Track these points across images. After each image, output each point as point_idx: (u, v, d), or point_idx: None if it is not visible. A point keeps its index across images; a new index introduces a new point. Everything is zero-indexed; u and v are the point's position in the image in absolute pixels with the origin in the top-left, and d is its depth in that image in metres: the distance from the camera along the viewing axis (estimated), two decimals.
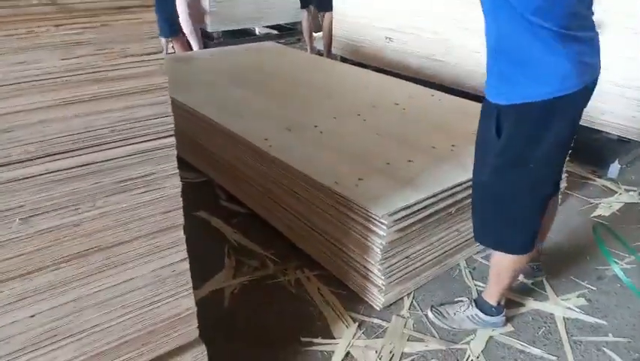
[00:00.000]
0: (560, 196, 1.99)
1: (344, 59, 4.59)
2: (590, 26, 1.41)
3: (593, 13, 1.42)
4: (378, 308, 1.84)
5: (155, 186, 1.00)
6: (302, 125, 2.38)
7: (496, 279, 1.70)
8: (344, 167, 1.99)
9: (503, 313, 1.77)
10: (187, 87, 2.88)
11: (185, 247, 1.11)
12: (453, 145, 2.19)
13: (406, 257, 1.84)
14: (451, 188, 1.86)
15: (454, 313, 1.79)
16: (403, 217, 1.73)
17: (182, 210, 1.07)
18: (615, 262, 2.13)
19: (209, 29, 5.31)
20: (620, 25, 2.70)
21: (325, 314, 1.81)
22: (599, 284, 2.02)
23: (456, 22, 3.50)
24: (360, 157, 2.07)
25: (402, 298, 1.89)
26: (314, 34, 5.94)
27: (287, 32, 6.20)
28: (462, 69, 3.54)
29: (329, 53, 4.87)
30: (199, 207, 2.45)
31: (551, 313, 1.85)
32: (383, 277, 1.78)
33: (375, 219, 1.70)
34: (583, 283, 2.02)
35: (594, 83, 1.45)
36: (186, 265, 1.12)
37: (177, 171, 1.03)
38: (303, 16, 5.04)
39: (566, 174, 2.47)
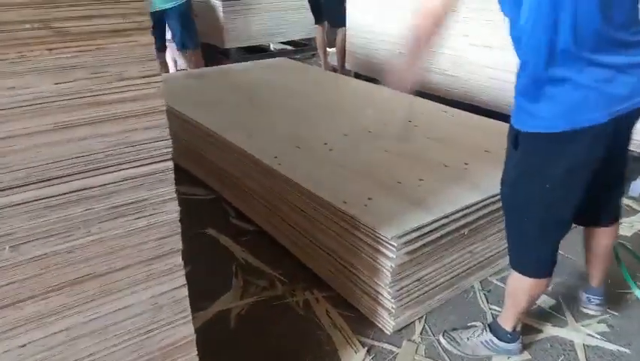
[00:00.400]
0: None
1: (357, 75, 4.58)
2: (628, 52, 1.27)
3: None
4: (388, 333, 1.78)
5: (151, 212, 0.97)
6: (312, 143, 2.35)
7: (512, 301, 1.63)
8: (353, 186, 1.95)
9: (519, 340, 1.69)
10: (198, 103, 2.89)
11: (183, 272, 1.07)
12: (466, 163, 2.13)
13: (417, 280, 1.78)
14: (463, 209, 1.80)
15: (468, 339, 1.72)
16: (414, 239, 1.68)
17: (180, 235, 1.03)
18: (637, 285, 2.03)
19: (226, 46, 5.36)
20: None
21: (334, 338, 1.76)
22: (621, 309, 1.93)
23: (467, 39, 3.46)
24: (370, 176, 2.03)
25: (413, 323, 1.83)
26: (328, 49, 5.95)
27: (302, 48, 6.22)
28: (474, 84, 3.49)
29: (342, 69, 4.86)
30: (208, 225, 2.43)
31: (571, 341, 1.77)
32: (393, 301, 1.72)
33: (384, 241, 1.65)
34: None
35: (629, 113, 1.33)
36: (184, 291, 1.08)
37: (175, 195, 1.00)
38: (317, 32, 5.05)
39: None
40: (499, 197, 1.91)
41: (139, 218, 0.96)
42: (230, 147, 2.38)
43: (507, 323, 1.66)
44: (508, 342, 1.67)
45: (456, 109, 2.89)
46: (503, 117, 2.98)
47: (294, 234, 2.13)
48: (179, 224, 1.03)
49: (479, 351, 1.70)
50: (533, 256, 1.52)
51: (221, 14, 5.14)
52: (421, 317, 1.86)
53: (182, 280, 1.08)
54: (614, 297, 1.99)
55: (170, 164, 0.97)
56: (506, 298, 1.65)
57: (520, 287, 1.57)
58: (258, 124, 2.59)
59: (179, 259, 1.05)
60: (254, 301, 1.93)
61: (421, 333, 1.79)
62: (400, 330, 1.79)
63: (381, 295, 1.75)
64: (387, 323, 1.77)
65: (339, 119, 2.68)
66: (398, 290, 1.72)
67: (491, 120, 2.72)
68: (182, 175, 2.91)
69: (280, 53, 6.04)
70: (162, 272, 1.04)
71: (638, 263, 2.19)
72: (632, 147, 2.75)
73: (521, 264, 1.55)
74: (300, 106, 2.89)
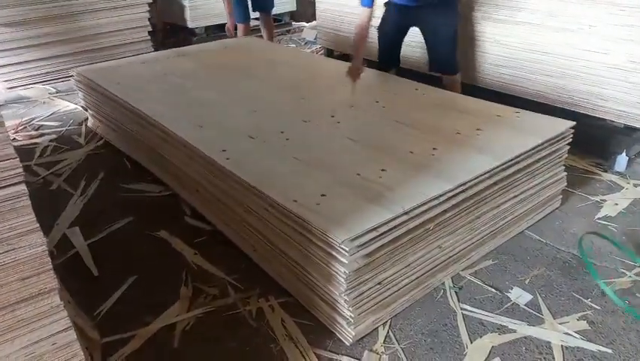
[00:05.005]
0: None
1: (330, 52, 4.34)
2: None
3: None
4: (347, 343, 1.61)
5: (4, 248, 0.78)
6: (267, 132, 2.15)
7: None
8: (307, 181, 1.75)
9: None
10: (150, 92, 2.66)
11: (65, 314, 0.88)
12: (434, 149, 1.94)
13: (378, 283, 1.60)
14: (426, 203, 1.61)
15: None
16: (370, 240, 1.50)
17: (52, 272, 0.84)
18: (605, 282, 1.83)
19: (190, 25, 5.08)
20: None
21: (287, 353, 1.59)
22: (603, 302, 1.77)
23: None
24: (327, 168, 1.84)
25: (376, 330, 1.66)
26: (304, 23, 5.66)
27: (276, 24, 5.94)
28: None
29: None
30: (160, 226, 2.23)
31: (548, 342, 1.61)
32: (351, 309, 1.55)
33: (336, 245, 1.46)
34: (585, 301, 1.77)
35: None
36: (71, 335, 0.90)
37: (37, 225, 0.80)
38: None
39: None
40: (468, 185, 1.75)
41: None
42: (178, 141, 2.17)
43: None
44: None
45: (430, 86, 2.68)
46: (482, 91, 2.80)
47: (249, 235, 1.94)
48: (49, 259, 0.84)
49: None
50: None
51: None
52: (385, 322, 1.69)
53: (65, 323, 0.89)
54: (596, 287, 1.83)
55: (22, 188, 0.77)
56: None
57: None
58: (210, 112, 2.38)
59: (55, 300, 0.87)
60: (202, 313, 1.75)
61: (384, 341, 1.62)
62: (361, 339, 1.63)
63: (338, 302, 1.57)
64: (346, 332, 1.61)
65: (301, 103, 2.48)
66: (356, 297, 1.55)
67: (467, 98, 2.53)
68: (135, 171, 2.70)
69: (255, 30, 5.75)
70: (34, 317, 0.85)
71: (619, 249, 2.02)
72: (615, 118, 2.61)
73: None
74: (260, 90, 2.67)
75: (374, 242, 1.51)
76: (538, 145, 1.98)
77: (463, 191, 1.75)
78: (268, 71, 3.01)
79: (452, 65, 2.88)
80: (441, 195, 1.66)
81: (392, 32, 2.94)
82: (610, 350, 1.57)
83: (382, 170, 1.81)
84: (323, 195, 1.66)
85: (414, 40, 3.13)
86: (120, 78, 2.88)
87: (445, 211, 1.72)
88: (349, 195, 1.65)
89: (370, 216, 1.53)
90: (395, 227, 1.55)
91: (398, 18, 2.86)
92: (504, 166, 1.86)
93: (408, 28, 2.93)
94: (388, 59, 3.05)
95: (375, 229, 1.50)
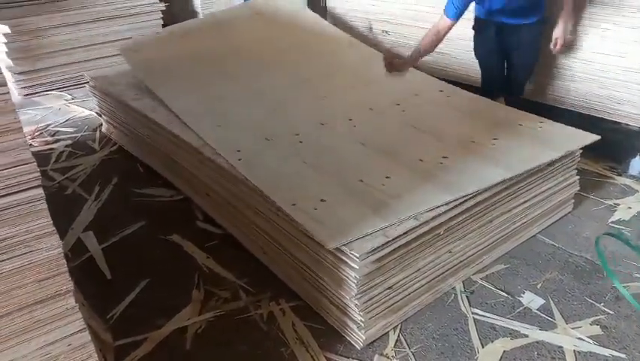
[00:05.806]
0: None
1: None
2: None
3: None
4: (358, 347, 1.61)
5: (21, 250, 0.80)
6: (282, 134, 2.16)
7: None
8: (310, 185, 1.78)
9: None
10: (164, 84, 2.62)
11: (79, 315, 0.90)
12: (444, 157, 1.94)
13: (389, 288, 1.61)
14: (422, 213, 1.60)
15: None
16: (380, 246, 1.50)
17: (67, 274, 0.86)
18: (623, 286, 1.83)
19: None
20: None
21: (298, 357, 1.59)
22: (616, 306, 1.75)
23: None
24: (334, 173, 1.85)
25: (387, 334, 1.66)
26: None
27: None
28: (464, 61, 3.25)
29: None
30: (173, 230, 2.26)
31: (560, 347, 1.60)
32: (361, 313, 1.55)
33: (346, 251, 1.47)
34: (598, 306, 1.76)
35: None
36: (85, 336, 0.92)
37: (53, 229, 0.82)
38: None
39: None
40: (471, 195, 1.73)
41: (6, 260, 0.79)
42: (189, 146, 2.19)
43: None
44: None
45: (455, 87, 2.65)
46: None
47: (259, 238, 1.95)
48: (65, 261, 0.86)
49: None
50: None
51: None
52: (396, 326, 1.69)
53: (80, 324, 0.91)
54: (609, 292, 1.82)
55: (39, 192, 0.79)
56: None
57: None
58: (226, 112, 2.37)
59: (70, 302, 0.89)
60: (214, 317, 1.77)
61: (394, 345, 1.63)
62: (372, 343, 1.63)
63: (349, 306, 1.58)
64: (357, 336, 1.61)
65: (320, 104, 2.46)
66: (366, 301, 1.55)
67: (491, 103, 2.48)
68: (148, 176, 2.73)
69: None
70: (49, 318, 0.87)
71: (635, 252, 2.00)
72: (630, 122, 2.58)
73: None
74: (283, 82, 2.63)
75: (384, 248, 1.51)
76: (554, 160, 1.95)
77: (464, 201, 1.71)
78: (292, 57, 2.92)
79: (523, 88, 2.79)
80: (439, 207, 1.64)
81: (494, 54, 2.66)
82: (623, 355, 1.56)
83: (387, 177, 1.81)
84: (322, 200, 1.67)
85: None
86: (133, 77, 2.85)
87: (454, 217, 1.72)
88: (349, 202, 1.66)
89: (367, 224, 1.53)
90: (405, 233, 1.55)
91: (496, 38, 2.58)
92: (513, 180, 1.84)
93: (506, 48, 2.63)
94: (493, 86, 2.77)
95: (368, 235, 1.50)
